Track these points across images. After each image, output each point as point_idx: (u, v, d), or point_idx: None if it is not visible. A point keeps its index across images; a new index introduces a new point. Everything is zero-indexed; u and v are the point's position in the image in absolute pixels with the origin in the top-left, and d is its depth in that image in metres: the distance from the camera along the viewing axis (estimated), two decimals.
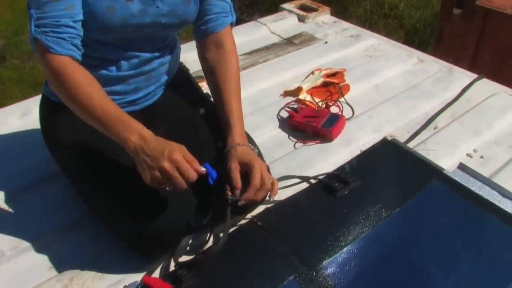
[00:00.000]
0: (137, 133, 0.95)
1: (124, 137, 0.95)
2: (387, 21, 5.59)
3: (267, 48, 2.02)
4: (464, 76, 1.86)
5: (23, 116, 1.62)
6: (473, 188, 1.25)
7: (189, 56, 1.43)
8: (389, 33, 5.59)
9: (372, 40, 2.12)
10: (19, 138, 1.53)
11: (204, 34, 1.22)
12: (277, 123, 1.58)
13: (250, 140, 1.20)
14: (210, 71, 1.23)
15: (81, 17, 1.01)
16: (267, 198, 1.12)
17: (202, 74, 1.29)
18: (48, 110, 1.25)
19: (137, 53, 1.15)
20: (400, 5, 5.69)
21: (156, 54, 1.19)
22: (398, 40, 5.41)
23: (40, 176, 1.34)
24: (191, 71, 1.45)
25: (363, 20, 5.33)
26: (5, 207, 1.26)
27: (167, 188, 0.96)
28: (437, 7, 5.11)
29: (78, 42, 1.01)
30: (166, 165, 0.92)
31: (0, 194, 1.29)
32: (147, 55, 1.17)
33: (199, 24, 1.22)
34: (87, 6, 1.02)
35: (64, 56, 0.99)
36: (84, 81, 1.00)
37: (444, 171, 1.30)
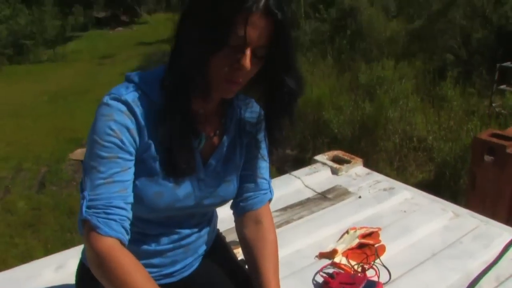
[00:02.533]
0: None
1: None
2: (416, 154, 5.67)
3: (301, 204, 2.05)
4: (504, 231, 1.82)
5: (58, 269, 1.63)
6: None
7: (220, 213, 1.46)
8: (419, 166, 5.65)
9: (406, 194, 2.13)
10: None
11: (242, 210, 1.25)
12: None
13: None
14: (248, 246, 1.24)
15: (132, 200, 1.03)
16: None
17: (237, 238, 1.30)
18: (86, 277, 1.26)
19: (177, 230, 1.18)
20: (428, 138, 5.80)
21: (195, 229, 1.22)
22: (429, 173, 5.46)
23: None
24: (223, 229, 1.46)
25: (393, 154, 5.44)
26: None
27: None
28: (466, 140, 5.19)
29: (127, 224, 1.01)
30: None
31: None
32: (186, 231, 1.20)
33: (238, 201, 1.25)
34: (135, 190, 1.05)
35: (112, 238, 0.98)
36: (133, 268, 0.97)
37: None
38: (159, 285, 1.00)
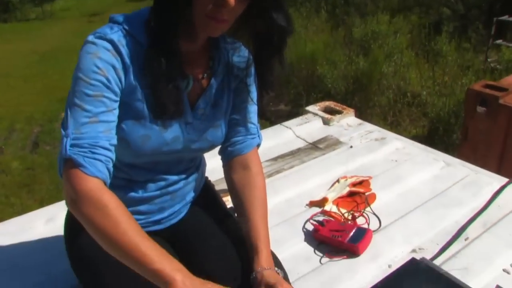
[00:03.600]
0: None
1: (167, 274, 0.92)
2: (410, 109, 5.66)
3: (292, 154, 2.04)
4: (493, 180, 1.83)
5: (49, 222, 1.64)
6: None
7: (212, 162, 1.45)
8: (413, 121, 5.65)
9: (397, 143, 2.12)
10: (43, 246, 1.54)
11: (230, 155, 1.24)
12: (303, 236, 1.55)
13: (276, 262, 1.18)
14: (236, 192, 1.23)
15: (116, 142, 1.00)
16: None
17: (226, 186, 1.30)
18: (74, 223, 1.25)
19: (164, 176, 1.17)
20: (422, 94, 5.77)
21: (183, 176, 1.21)
22: (423, 128, 5.46)
23: None
24: (213, 179, 1.45)
25: (386, 109, 5.41)
26: None
27: None
28: (460, 96, 5.16)
29: (111, 167, 0.99)
30: None
31: None
32: (173, 177, 1.19)
33: (226, 146, 1.24)
34: (121, 133, 1.04)
35: (97, 179, 0.95)
36: (117, 209, 0.95)
37: None
38: (147, 232, 0.98)
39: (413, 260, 1.39)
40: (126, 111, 1.04)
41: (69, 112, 0.97)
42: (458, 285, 1.27)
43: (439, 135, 4.99)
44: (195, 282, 0.93)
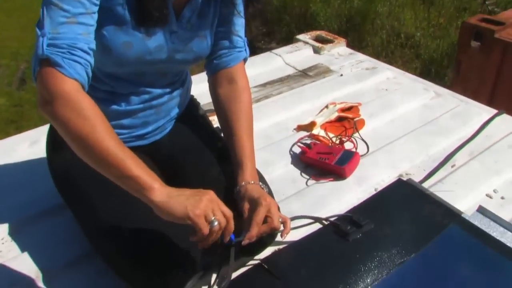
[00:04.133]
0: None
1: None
2: (403, 51, 5.57)
3: (281, 80, 2.00)
4: (483, 111, 1.81)
5: (33, 144, 1.61)
6: (494, 234, 1.19)
7: (200, 87, 1.42)
8: (405, 63, 5.57)
9: (388, 73, 2.09)
10: (27, 167, 1.52)
11: (216, 68, 1.20)
12: (290, 159, 1.54)
13: (261, 178, 1.17)
14: (222, 107, 1.20)
15: (94, 47, 0.95)
16: (281, 237, 1.08)
17: (212, 107, 1.27)
18: (55, 140, 1.22)
19: (148, 89, 1.13)
20: (416, 35, 5.67)
21: (167, 89, 1.17)
22: (415, 70, 5.41)
23: (44, 208, 1.31)
24: (202, 103, 1.43)
25: (379, 50, 5.32)
26: (8, 239, 1.23)
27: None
28: (454, 38, 5.08)
29: (90, 71, 0.94)
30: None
31: (4, 226, 1.26)
32: (158, 90, 1.15)
33: (211, 58, 1.20)
34: (102, 40, 0.99)
35: (75, 81, 0.90)
36: (95, 113, 0.91)
37: (463, 215, 1.24)
38: (130, 147, 0.95)
39: (399, 181, 1.39)
40: (107, 17, 0.98)
41: (45, 11, 0.91)
42: (443, 205, 1.28)
43: (431, 76, 4.95)
44: (172, 189, 0.91)
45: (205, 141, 1.25)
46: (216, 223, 0.91)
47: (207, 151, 1.23)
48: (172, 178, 1.17)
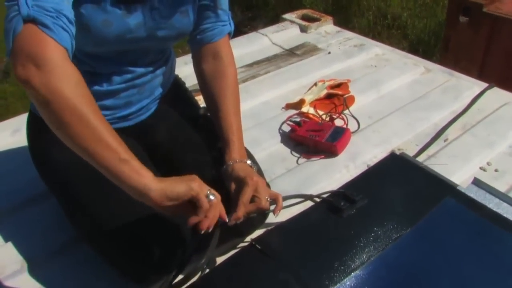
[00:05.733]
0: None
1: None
2: (390, 31, 5.54)
3: (268, 60, 1.96)
4: (474, 85, 1.79)
5: (15, 133, 1.56)
6: (490, 205, 1.16)
7: (185, 70, 1.37)
8: (392, 44, 5.55)
9: (376, 50, 2.05)
10: (9, 156, 1.47)
11: (200, 43, 1.15)
12: (279, 138, 1.50)
13: (250, 157, 1.13)
14: (207, 83, 1.15)
15: (74, 18, 0.85)
16: (273, 215, 1.04)
17: (198, 87, 1.22)
18: (36, 127, 1.18)
19: (130, 68, 1.08)
20: (403, 15, 5.65)
21: (150, 68, 1.12)
22: (403, 50, 5.38)
23: (28, 196, 1.27)
24: (187, 85, 1.38)
25: (366, 31, 5.28)
26: None
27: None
28: (441, 17, 5.06)
29: (74, 43, 0.83)
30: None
31: None
32: (140, 69, 1.10)
33: (195, 34, 1.14)
34: (81, 19, 0.92)
35: (63, 48, 0.79)
36: (80, 84, 0.80)
37: (458, 187, 1.22)
38: (115, 129, 0.88)
39: (393, 155, 1.36)
40: None
41: None
42: (437, 178, 1.25)
43: (419, 56, 4.94)
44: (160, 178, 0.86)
45: (190, 120, 1.22)
46: (212, 196, 0.87)
47: (192, 130, 1.19)
48: (157, 157, 1.14)
